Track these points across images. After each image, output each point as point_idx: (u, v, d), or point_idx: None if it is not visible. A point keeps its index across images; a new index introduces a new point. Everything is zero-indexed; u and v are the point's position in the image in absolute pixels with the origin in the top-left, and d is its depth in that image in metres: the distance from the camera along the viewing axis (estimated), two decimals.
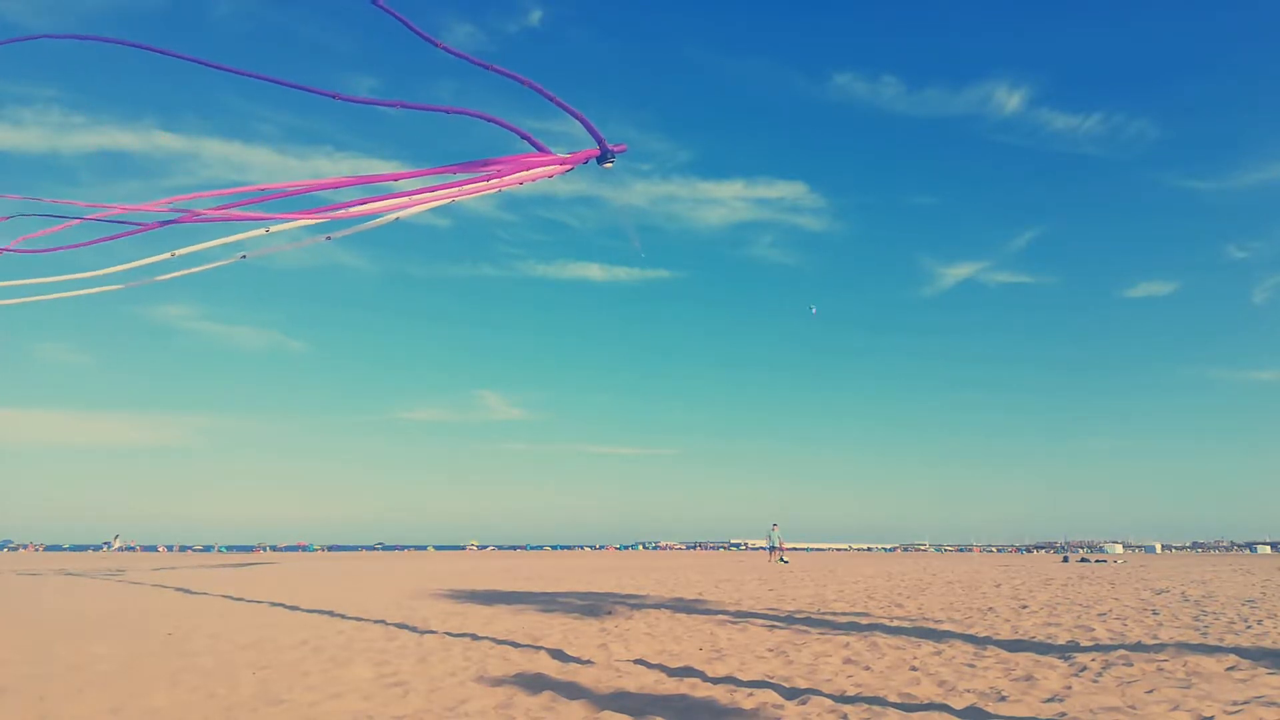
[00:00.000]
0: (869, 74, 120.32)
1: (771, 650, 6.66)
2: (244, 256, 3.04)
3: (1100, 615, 9.23)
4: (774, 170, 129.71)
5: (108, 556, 45.51)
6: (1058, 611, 9.72)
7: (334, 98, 2.89)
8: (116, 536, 55.08)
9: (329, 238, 2.99)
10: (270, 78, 2.78)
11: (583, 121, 3.06)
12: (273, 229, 2.94)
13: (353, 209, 3.06)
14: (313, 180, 3.16)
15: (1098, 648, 6.63)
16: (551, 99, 2.94)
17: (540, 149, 3.12)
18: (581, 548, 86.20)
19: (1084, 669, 5.63)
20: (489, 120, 3.01)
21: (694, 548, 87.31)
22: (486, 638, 7.53)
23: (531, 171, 3.13)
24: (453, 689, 5.20)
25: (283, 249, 3.06)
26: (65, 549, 75.12)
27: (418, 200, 3.07)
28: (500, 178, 3.08)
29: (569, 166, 3.19)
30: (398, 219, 3.10)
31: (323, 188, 3.03)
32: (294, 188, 3.05)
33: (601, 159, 3.22)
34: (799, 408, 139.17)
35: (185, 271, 3.08)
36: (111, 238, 3.18)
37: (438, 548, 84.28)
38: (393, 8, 2.65)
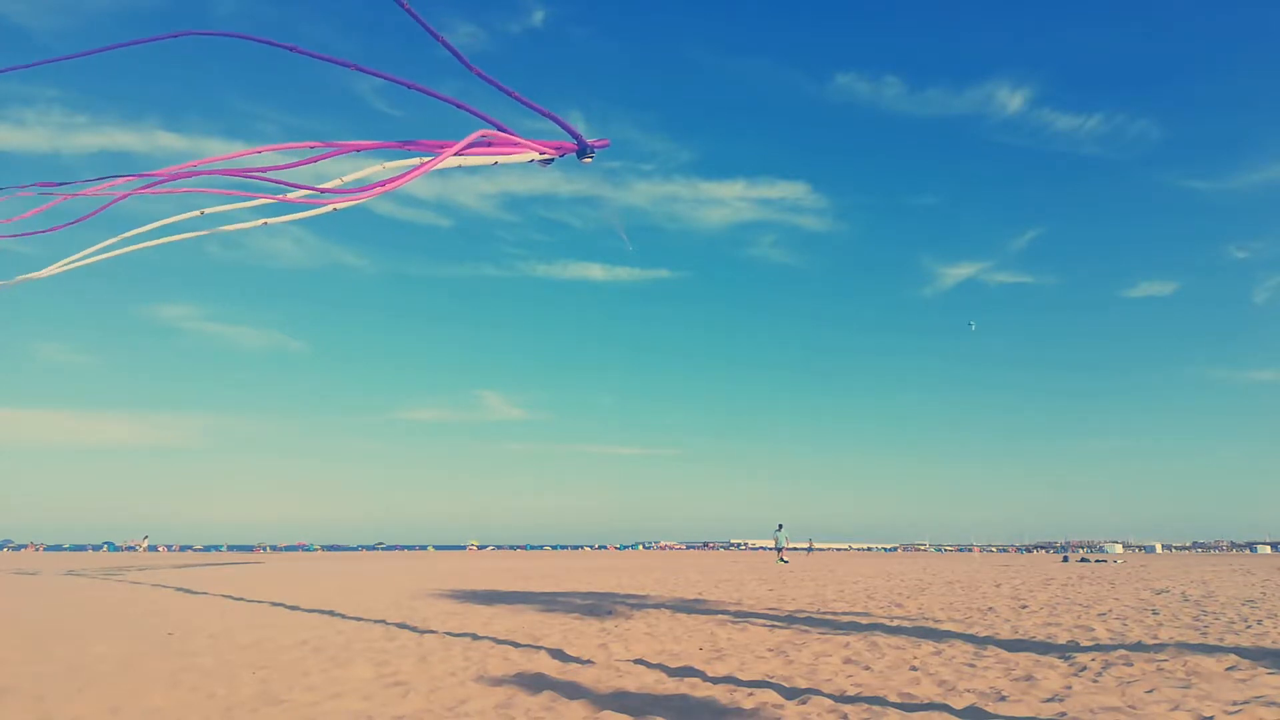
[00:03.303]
0: (871, 74, 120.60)
1: (772, 650, 6.66)
2: (265, 222, 3.02)
3: (1100, 615, 9.23)
4: (776, 170, 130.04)
5: (133, 557, 45.76)
6: (1058, 611, 9.72)
7: (294, 50, 2.85)
8: (145, 537, 56.52)
9: (335, 208, 2.99)
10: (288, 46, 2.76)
11: (560, 123, 3.06)
12: (290, 197, 2.95)
13: (349, 178, 3.06)
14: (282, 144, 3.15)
15: (1098, 648, 6.63)
16: (527, 103, 2.94)
17: (523, 140, 3.15)
18: (581, 548, 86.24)
19: (1084, 669, 5.63)
20: (475, 114, 3.01)
21: (701, 547, 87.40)
22: (486, 638, 7.53)
23: (512, 155, 3.15)
24: (453, 689, 5.20)
25: (294, 217, 3.03)
26: (65, 549, 75.22)
27: (410, 166, 3.06)
28: (480, 151, 3.08)
29: (547, 154, 3.20)
30: (397, 187, 3.12)
31: (300, 155, 3.05)
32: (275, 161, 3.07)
33: (581, 154, 3.23)
34: (799, 408, 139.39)
35: (211, 230, 3.05)
36: (109, 204, 3.14)
37: (438, 548, 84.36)
38: (393, 9, 2.65)
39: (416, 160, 3.03)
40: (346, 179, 3.04)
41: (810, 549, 56.25)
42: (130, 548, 67.57)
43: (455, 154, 2.97)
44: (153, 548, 62.62)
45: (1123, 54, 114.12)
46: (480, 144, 3.11)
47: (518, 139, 3.12)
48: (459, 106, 2.98)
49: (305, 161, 3.16)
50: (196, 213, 3.04)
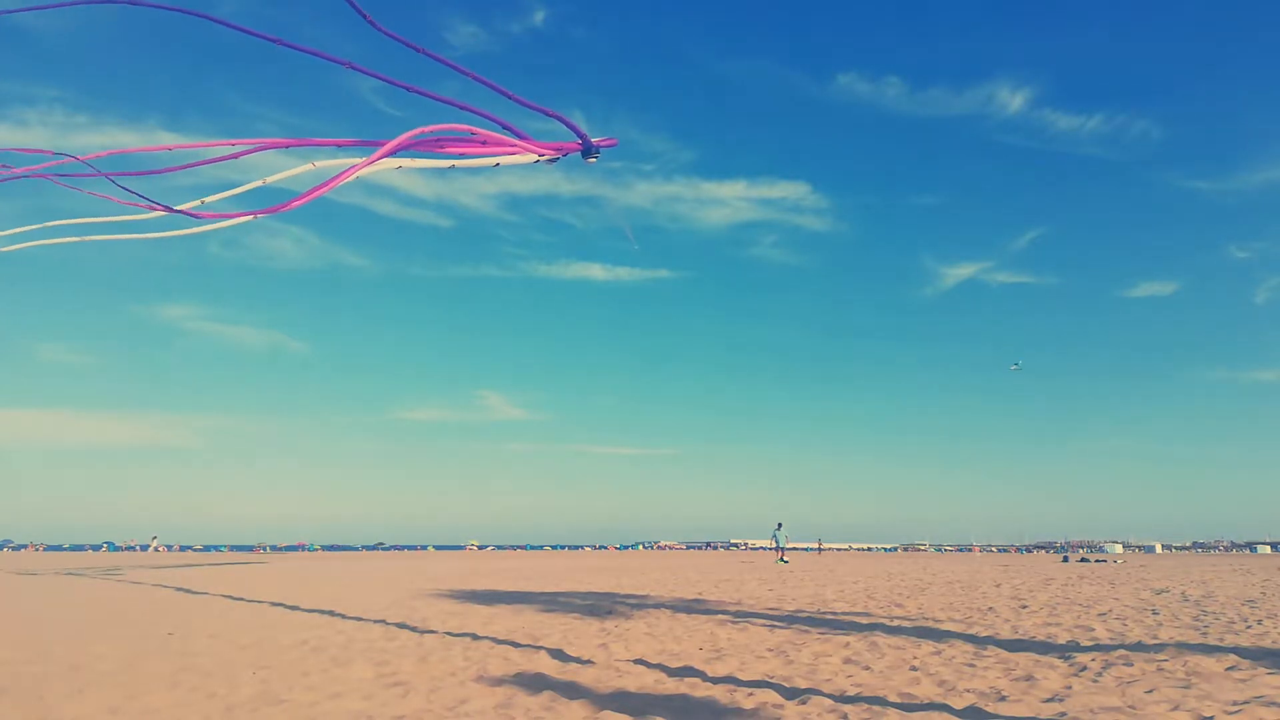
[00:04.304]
0: (872, 74, 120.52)
1: (772, 650, 6.66)
2: (256, 215, 2.97)
3: (1100, 615, 9.23)
4: (777, 170, 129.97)
5: (133, 556, 45.91)
6: (1058, 611, 9.72)
7: (278, 43, 2.83)
8: (154, 538, 57.16)
9: (312, 195, 2.95)
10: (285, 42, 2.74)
11: (565, 122, 3.05)
12: (316, 163, 2.91)
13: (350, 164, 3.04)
14: (289, 139, 3.11)
15: (1098, 648, 6.63)
16: (530, 105, 2.93)
17: (524, 138, 3.12)
18: (581, 548, 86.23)
19: (1084, 669, 5.63)
20: (478, 114, 3.00)
21: (703, 548, 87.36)
22: (486, 638, 7.53)
23: (514, 157, 3.13)
24: (453, 689, 5.20)
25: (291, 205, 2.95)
26: (65, 549, 75.21)
27: (407, 151, 3.03)
28: (484, 149, 3.06)
29: (551, 155, 3.19)
30: (400, 167, 3.07)
31: (303, 144, 3.02)
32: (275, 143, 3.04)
33: (586, 154, 3.21)
34: (799, 407, 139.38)
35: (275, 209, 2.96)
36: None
37: (438, 548, 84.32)
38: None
39: (352, 160, 2.96)
40: (275, 178, 3.00)
41: (820, 549, 56.15)
42: (130, 547, 67.91)
43: (386, 155, 2.91)
44: (167, 547, 63.16)
45: (1124, 54, 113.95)
46: (473, 142, 3.09)
47: (514, 141, 3.10)
48: (462, 108, 2.97)
49: (230, 156, 3.11)
50: (197, 201, 3.03)
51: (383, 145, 2.91)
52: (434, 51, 2.80)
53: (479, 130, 3.05)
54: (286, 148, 3.10)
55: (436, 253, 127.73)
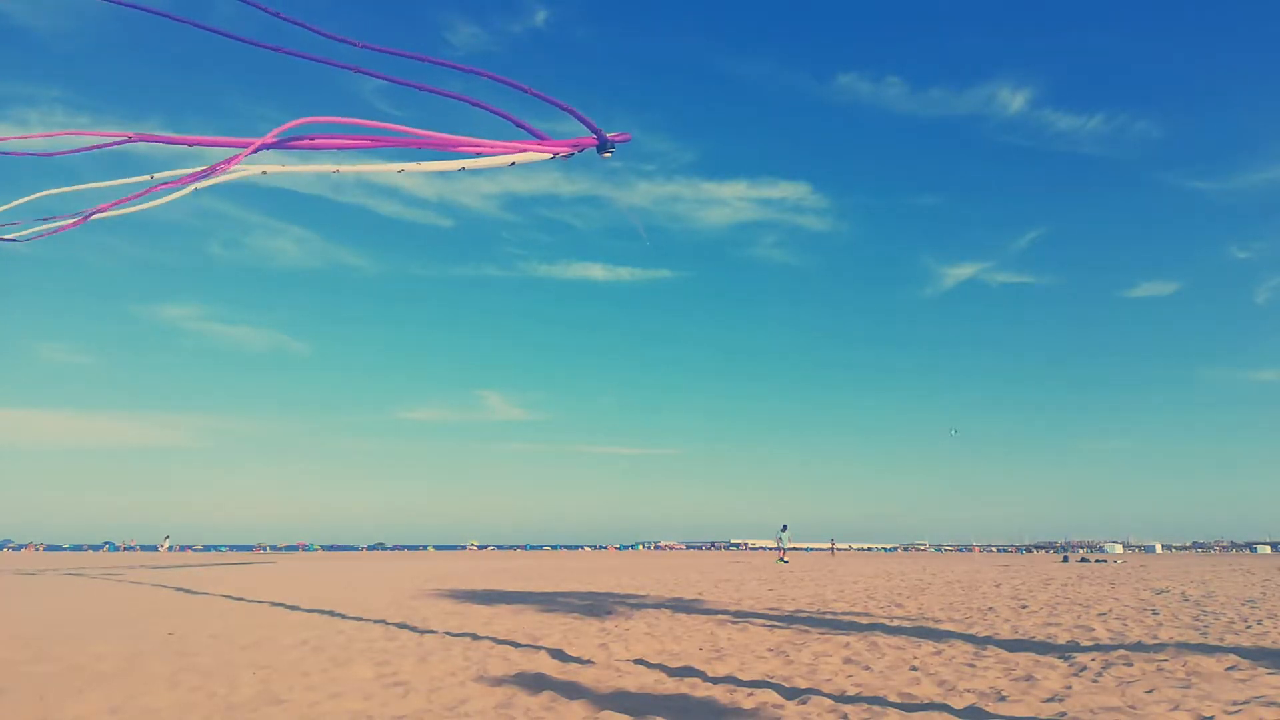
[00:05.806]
0: (873, 74, 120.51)
1: (772, 650, 6.66)
2: (265, 171, 2.97)
3: (1100, 615, 9.23)
4: (777, 170, 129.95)
5: (147, 556, 45.94)
6: (1058, 611, 9.72)
7: (277, 50, 2.83)
8: (166, 538, 57.33)
9: (337, 169, 2.95)
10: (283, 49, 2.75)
11: (578, 116, 3.05)
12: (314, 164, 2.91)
13: (358, 165, 3.04)
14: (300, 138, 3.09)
15: (1098, 648, 6.63)
16: (546, 99, 2.94)
17: (540, 137, 3.13)
18: (581, 548, 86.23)
19: (1084, 669, 5.63)
20: (492, 111, 3.00)
21: (707, 548, 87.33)
22: (486, 638, 7.53)
23: (530, 153, 3.13)
24: (453, 689, 5.20)
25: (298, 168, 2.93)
26: (65, 549, 75.21)
27: (424, 163, 3.04)
28: (500, 153, 3.06)
29: (567, 151, 3.19)
30: (402, 171, 3.08)
31: (327, 146, 3.02)
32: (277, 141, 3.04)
33: (601, 148, 3.22)
34: (799, 407, 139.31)
35: (152, 201, 2.94)
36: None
37: (438, 548, 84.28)
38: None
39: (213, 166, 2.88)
40: (156, 176, 2.96)
41: (833, 550, 56.30)
42: (130, 548, 67.93)
43: (253, 153, 2.87)
44: (172, 548, 63.15)
45: (1124, 54, 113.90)
46: (512, 148, 3.09)
47: (523, 143, 3.10)
48: (471, 103, 2.97)
49: (83, 149, 3.04)
50: (147, 176, 3.01)
51: (248, 145, 2.84)
52: (436, 56, 2.80)
53: (382, 124, 2.99)
54: (134, 143, 3.03)
55: (437, 253, 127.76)
